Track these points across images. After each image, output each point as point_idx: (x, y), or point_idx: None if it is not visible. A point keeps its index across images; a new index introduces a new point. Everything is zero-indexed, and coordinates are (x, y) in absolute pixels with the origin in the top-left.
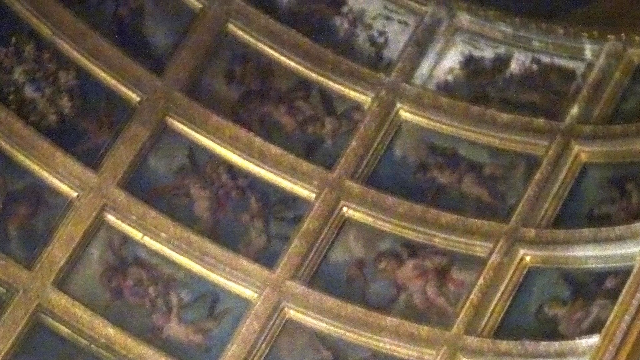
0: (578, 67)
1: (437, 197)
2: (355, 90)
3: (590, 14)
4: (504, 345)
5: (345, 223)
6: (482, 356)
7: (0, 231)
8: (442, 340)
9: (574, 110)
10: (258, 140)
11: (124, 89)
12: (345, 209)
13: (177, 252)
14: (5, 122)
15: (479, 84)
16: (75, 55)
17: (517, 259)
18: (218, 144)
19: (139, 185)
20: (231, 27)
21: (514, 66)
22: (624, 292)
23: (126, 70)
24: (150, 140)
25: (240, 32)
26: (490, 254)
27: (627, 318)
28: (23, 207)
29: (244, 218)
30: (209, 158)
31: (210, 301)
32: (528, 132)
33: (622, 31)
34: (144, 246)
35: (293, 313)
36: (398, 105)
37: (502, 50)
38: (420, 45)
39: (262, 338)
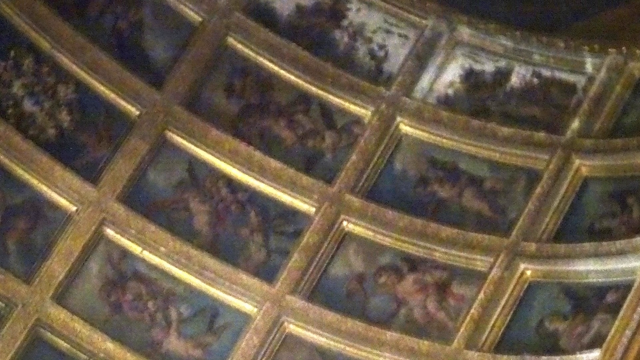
0: (579, 80)
1: (438, 211)
2: (355, 104)
3: (591, 28)
4: None
5: (345, 237)
6: None
7: None
8: (443, 355)
9: (575, 124)
10: (258, 154)
11: (123, 103)
12: (345, 223)
13: (176, 267)
14: (4, 135)
15: (479, 98)
16: (74, 68)
17: (518, 274)
18: (217, 157)
19: (138, 199)
20: (231, 40)
21: (515, 80)
22: (625, 306)
23: (125, 84)
24: (149, 154)
25: (239, 46)
26: (491, 268)
27: (628, 333)
28: (22, 221)
29: (244, 232)
30: (209, 172)
31: (210, 316)
32: (529, 146)
33: (623, 45)
34: (143, 260)
35: (293, 327)
36: (398, 119)
37: (502, 63)
38: (420, 58)
39: (262, 353)
